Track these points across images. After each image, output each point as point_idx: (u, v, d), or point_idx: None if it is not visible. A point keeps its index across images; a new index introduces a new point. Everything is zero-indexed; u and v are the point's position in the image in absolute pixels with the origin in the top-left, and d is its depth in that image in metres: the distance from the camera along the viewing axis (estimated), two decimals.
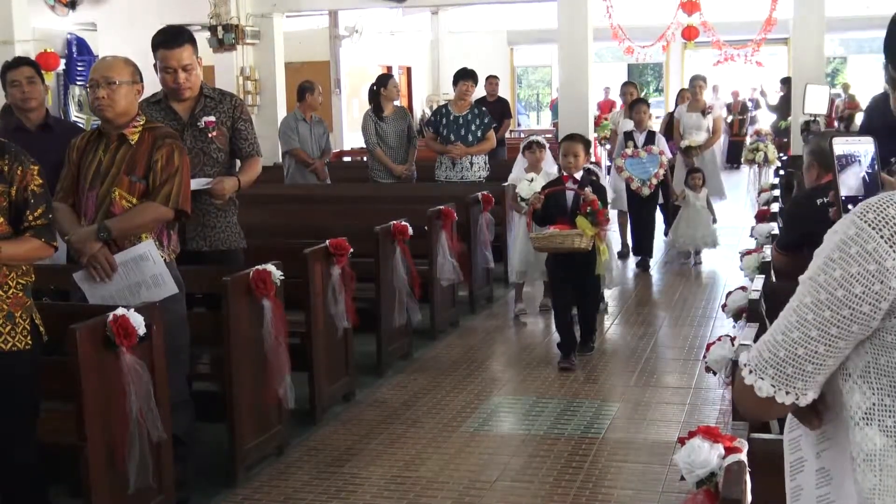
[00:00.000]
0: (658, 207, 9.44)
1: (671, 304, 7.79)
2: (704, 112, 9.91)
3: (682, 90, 11.29)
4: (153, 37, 4.70)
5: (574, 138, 6.22)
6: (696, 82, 10.11)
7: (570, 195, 6.00)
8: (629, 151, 8.91)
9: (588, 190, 5.88)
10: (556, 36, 11.24)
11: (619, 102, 14.61)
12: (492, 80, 11.45)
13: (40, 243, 3.30)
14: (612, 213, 10.40)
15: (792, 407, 1.55)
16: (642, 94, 12.02)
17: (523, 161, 7.33)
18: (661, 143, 9.08)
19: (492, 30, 19.58)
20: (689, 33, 12.42)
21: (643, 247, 9.24)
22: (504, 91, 15.10)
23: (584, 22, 10.96)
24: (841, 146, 1.70)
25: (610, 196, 10.21)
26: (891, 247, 1.45)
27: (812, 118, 9.13)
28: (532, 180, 6.62)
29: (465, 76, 8.35)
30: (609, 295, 7.86)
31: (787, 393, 1.54)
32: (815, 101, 9.02)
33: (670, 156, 9.23)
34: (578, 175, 6.06)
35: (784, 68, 17.05)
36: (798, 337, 1.51)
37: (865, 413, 1.54)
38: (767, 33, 13.27)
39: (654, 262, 9.33)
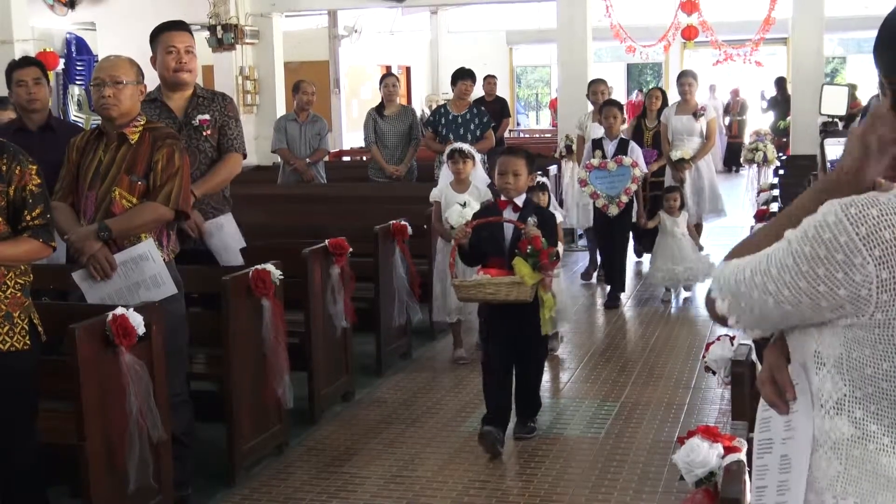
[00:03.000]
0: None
1: (670, 303, 7.78)
2: (696, 114, 8.55)
3: (651, 90, 9.56)
4: (153, 30, 4.74)
5: (513, 153, 4.81)
6: (685, 80, 8.72)
7: (508, 227, 4.65)
8: (595, 162, 7.55)
9: (531, 221, 4.52)
10: (556, 36, 11.26)
11: (622, 103, 14.42)
12: (490, 80, 11.46)
13: (38, 243, 3.30)
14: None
15: (737, 327, 1.74)
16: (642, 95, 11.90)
17: (448, 174, 6.20)
18: (636, 153, 7.62)
19: (491, 29, 19.58)
20: (689, 33, 12.41)
21: (612, 279, 7.76)
22: (503, 91, 15.11)
23: (584, 21, 10.98)
24: (833, 148, 1.75)
25: (574, 216, 8.89)
26: (864, 245, 1.54)
27: (830, 119, 8.87)
28: (465, 204, 5.21)
29: (463, 76, 8.34)
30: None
31: (737, 321, 1.71)
32: (832, 103, 8.74)
33: (645, 170, 7.77)
34: (521, 200, 4.70)
35: (783, 68, 17.06)
36: (759, 282, 1.65)
37: (836, 403, 1.63)
38: (766, 33, 13.27)
39: (626, 297, 7.91)
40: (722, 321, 1.73)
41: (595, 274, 8.60)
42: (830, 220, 1.57)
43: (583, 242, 9.97)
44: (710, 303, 1.72)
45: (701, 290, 7.84)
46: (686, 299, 7.81)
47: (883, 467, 1.61)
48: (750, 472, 2.14)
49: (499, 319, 4.69)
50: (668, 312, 7.45)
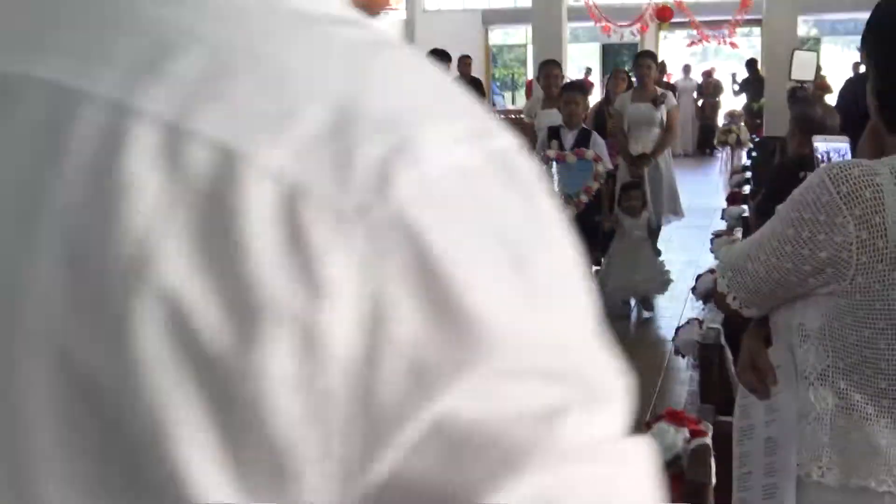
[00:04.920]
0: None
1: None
2: (656, 101, 7.20)
3: (615, 71, 8.35)
4: None
5: None
6: (644, 62, 7.47)
7: None
8: (552, 153, 6.37)
9: None
10: (531, 15, 11.24)
11: (598, 88, 14.26)
12: (465, 61, 11.42)
13: None
14: None
15: (738, 311, 1.76)
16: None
17: None
18: (598, 145, 6.47)
19: (466, 9, 19.55)
20: (663, 13, 12.42)
21: None
22: (479, 71, 15.06)
23: (559, 1, 10.96)
24: (820, 144, 1.86)
25: None
26: (845, 204, 1.56)
27: (799, 84, 8.86)
28: None
29: (438, 57, 8.29)
30: None
31: (735, 298, 1.75)
32: (802, 68, 8.71)
33: (610, 165, 6.64)
34: None
35: (757, 49, 17.12)
36: (753, 253, 1.72)
37: (820, 374, 1.66)
38: (744, 14, 13.32)
39: None
40: (723, 305, 1.77)
41: None
42: (815, 181, 1.61)
43: None
44: (715, 289, 1.77)
45: (660, 304, 6.85)
46: (647, 319, 6.64)
47: (867, 437, 1.63)
48: (716, 457, 2.15)
49: None
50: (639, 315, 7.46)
